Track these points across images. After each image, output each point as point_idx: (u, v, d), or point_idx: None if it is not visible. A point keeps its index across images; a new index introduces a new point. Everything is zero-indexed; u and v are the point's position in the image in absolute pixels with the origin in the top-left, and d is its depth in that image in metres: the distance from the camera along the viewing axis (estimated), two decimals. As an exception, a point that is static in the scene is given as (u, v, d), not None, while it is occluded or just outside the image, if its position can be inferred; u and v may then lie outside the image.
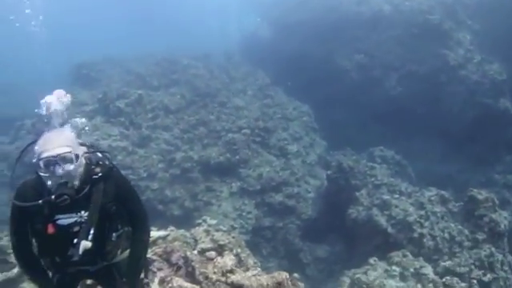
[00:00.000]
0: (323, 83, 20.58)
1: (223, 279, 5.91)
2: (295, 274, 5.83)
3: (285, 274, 5.47)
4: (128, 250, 3.91)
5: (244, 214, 13.68)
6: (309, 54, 21.77)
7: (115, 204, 3.59)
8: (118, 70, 19.93)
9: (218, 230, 9.08)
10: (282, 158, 16.02)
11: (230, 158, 14.65)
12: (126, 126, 15.20)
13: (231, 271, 6.16)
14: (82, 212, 3.43)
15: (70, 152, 3.30)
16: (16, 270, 7.37)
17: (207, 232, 8.54)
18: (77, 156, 3.34)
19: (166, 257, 6.33)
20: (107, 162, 3.64)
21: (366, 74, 20.67)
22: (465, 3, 21.17)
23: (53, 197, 3.22)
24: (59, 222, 3.40)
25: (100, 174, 3.50)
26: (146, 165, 13.91)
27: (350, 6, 22.01)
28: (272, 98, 18.45)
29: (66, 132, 3.56)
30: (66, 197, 3.22)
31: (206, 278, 6.20)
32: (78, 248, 3.37)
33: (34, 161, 3.34)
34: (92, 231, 3.42)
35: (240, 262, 7.83)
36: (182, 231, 8.78)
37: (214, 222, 10.96)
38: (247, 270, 7.21)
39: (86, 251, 3.38)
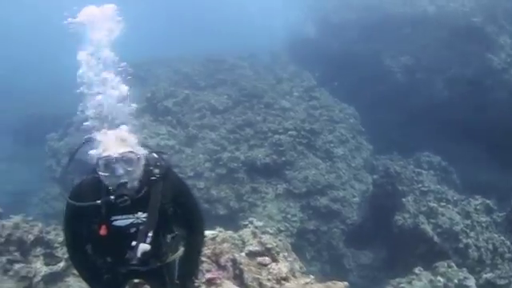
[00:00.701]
0: (369, 84, 20.30)
1: (277, 287, 5.88)
2: (346, 283, 5.74)
3: (340, 284, 5.38)
4: (179, 251, 3.84)
5: (289, 216, 13.59)
6: (354, 54, 21.40)
7: (172, 206, 3.50)
8: (164, 70, 20.18)
9: (264, 233, 8.97)
10: (327, 160, 15.81)
11: (276, 160, 14.58)
12: (173, 125, 15.38)
13: (286, 279, 6.11)
14: (139, 213, 3.37)
15: (131, 152, 3.24)
16: (62, 264, 7.49)
17: (254, 234, 8.40)
18: (138, 157, 3.28)
19: (215, 258, 6.32)
20: (164, 163, 3.54)
21: (412, 76, 20.24)
22: (505, 7, 20.37)
23: (112, 197, 3.17)
24: (116, 223, 3.35)
25: (158, 175, 3.41)
26: (192, 164, 14.04)
27: (394, 6, 21.53)
28: (318, 99, 18.24)
29: (126, 131, 3.43)
30: (126, 197, 3.17)
31: (260, 284, 6.18)
32: (137, 251, 3.30)
33: (92, 160, 3.27)
34: (150, 234, 3.35)
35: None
36: (230, 232, 8.67)
37: (260, 223, 10.84)
38: (294, 275, 7.21)
39: (143, 254, 3.32)
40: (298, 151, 15.31)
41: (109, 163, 3.19)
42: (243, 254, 7.57)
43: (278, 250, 7.75)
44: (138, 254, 3.31)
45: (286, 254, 8.11)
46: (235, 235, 8.58)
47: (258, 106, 16.58)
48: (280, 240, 8.57)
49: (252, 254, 7.60)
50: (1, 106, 28.38)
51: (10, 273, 7.54)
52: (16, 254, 7.78)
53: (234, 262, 6.72)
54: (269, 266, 6.56)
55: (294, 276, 6.70)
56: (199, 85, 17.85)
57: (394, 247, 12.85)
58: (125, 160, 3.21)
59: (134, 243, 3.31)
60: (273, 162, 14.55)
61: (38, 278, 7.57)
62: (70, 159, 3.67)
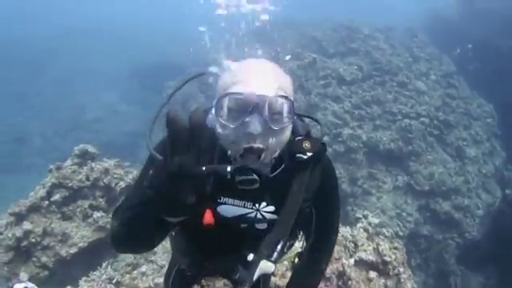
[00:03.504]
0: (508, 83, 16.87)
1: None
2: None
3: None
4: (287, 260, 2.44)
5: (404, 214, 11.22)
6: (495, 46, 18.18)
7: (312, 204, 2.02)
8: (292, 32, 18.05)
9: (378, 234, 7.27)
10: (457, 160, 13.03)
11: (402, 147, 12.09)
12: (294, 88, 13.39)
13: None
14: (263, 204, 1.88)
15: (284, 97, 1.66)
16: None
17: (370, 237, 6.90)
18: (292, 107, 1.68)
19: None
20: (318, 137, 1.99)
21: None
22: None
23: (228, 168, 1.52)
24: (221, 208, 1.86)
25: (310, 154, 1.84)
26: (309, 134, 12.04)
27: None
28: (456, 88, 15.18)
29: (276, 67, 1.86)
30: (254, 176, 1.54)
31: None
32: (253, 270, 1.86)
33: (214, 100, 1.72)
34: (280, 245, 1.92)
35: (397, 284, 6.29)
36: (342, 229, 7.00)
37: (376, 220, 8.92)
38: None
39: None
40: (428, 142, 12.65)
41: (241, 106, 1.60)
42: (352, 260, 6.37)
43: (394, 264, 6.38)
44: (255, 276, 1.88)
45: (401, 269, 6.45)
46: (347, 234, 6.95)
47: (391, 83, 13.93)
48: (396, 248, 6.94)
49: (364, 264, 6.35)
50: (129, 52, 28.88)
51: (89, 220, 6.66)
52: (101, 200, 6.89)
53: (342, 273, 5.60)
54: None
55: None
56: (328, 51, 15.51)
57: (509, 278, 10.39)
58: (272, 107, 1.63)
59: (250, 257, 1.88)
60: (397, 149, 12.07)
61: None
62: (171, 94, 2.03)
